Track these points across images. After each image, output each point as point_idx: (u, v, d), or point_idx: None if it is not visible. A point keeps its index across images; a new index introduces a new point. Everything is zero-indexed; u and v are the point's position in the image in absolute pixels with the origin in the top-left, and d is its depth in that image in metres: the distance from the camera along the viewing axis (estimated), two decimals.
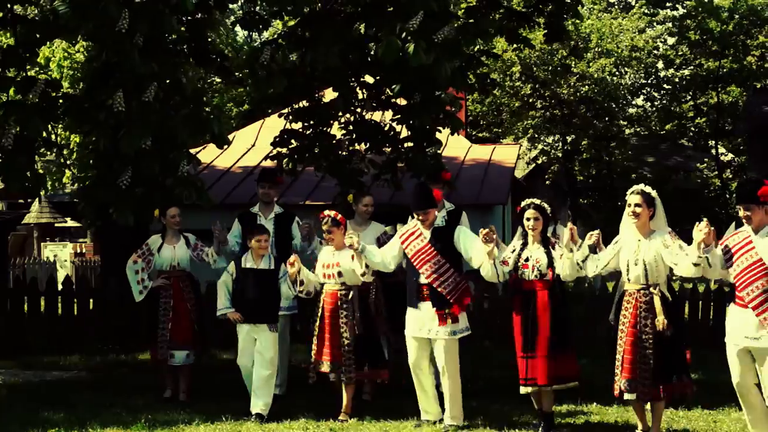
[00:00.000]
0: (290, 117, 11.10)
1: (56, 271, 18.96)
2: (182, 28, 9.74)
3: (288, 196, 13.47)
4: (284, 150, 11.13)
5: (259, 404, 7.34)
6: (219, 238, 8.04)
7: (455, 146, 16.12)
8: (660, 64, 28.86)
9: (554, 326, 6.62)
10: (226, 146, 9.92)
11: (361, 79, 10.87)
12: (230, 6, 12.97)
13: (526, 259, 6.73)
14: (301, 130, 11.11)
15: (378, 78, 10.58)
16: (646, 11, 28.42)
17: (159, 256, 8.14)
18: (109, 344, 10.48)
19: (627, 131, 27.82)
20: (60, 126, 13.36)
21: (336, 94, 10.70)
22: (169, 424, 7.20)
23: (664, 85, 29.11)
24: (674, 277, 6.40)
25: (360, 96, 10.92)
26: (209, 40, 10.88)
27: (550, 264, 6.66)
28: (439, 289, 6.85)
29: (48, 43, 17.55)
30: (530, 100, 25.09)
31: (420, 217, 6.98)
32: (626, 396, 6.32)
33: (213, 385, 8.43)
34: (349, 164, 10.90)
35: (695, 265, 5.97)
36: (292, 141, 11.08)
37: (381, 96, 10.88)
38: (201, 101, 9.64)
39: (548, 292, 6.67)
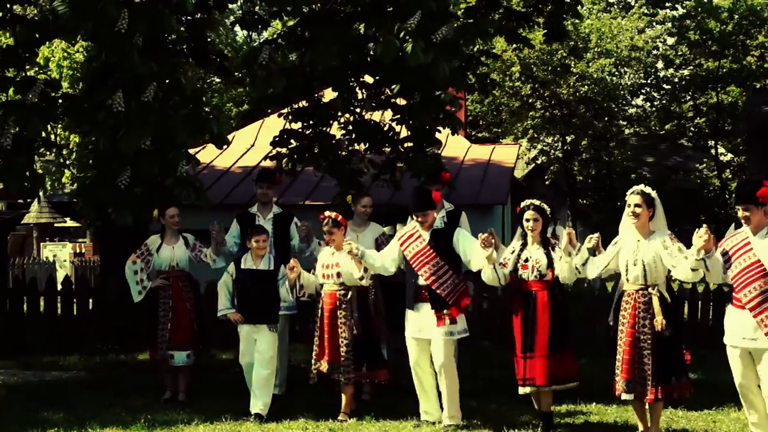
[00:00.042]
0: (290, 117, 11.09)
1: (56, 271, 18.96)
2: (182, 28, 9.74)
3: (287, 196, 13.47)
4: (284, 150, 11.11)
5: (258, 404, 7.35)
6: (216, 238, 8.04)
7: (455, 146, 16.11)
8: (659, 64, 28.87)
9: (553, 327, 6.61)
10: (225, 146, 9.92)
11: (361, 79, 10.85)
12: (230, 6, 12.96)
13: (526, 260, 6.73)
14: (300, 130, 11.09)
15: (377, 78, 10.57)
16: (645, 11, 28.42)
17: (158, 257, 8.14)
18: (108, 344, 10.49)
19: (626, 131, 27.79)
20: (59, 126, 13.33)
21: (335, 94, 10.69)
22: (169, 424, 7.21)
23: (664, 85, 29.10)
24: (673, 278, 6.39)
25: (359, 96, 10.90)
26: (209, 40, 10.86)
27: (550, 265, 6.66)
28: (437, 291, 6.84)
29: (47, 43, 17.56)
30: (530, 100, 25.07)
31: (419, 219, 6.98)
32: (624, 396, 6.32)
33: (212, 385, 8.43)
34: (349, 164, 10.88)
35: (693, 270, 5.97)
36: (292, 141, 11.07)
37: (380, 96, 10.87)
38: (200, 101, 9.62)
39: (547, 293, 6.67)
